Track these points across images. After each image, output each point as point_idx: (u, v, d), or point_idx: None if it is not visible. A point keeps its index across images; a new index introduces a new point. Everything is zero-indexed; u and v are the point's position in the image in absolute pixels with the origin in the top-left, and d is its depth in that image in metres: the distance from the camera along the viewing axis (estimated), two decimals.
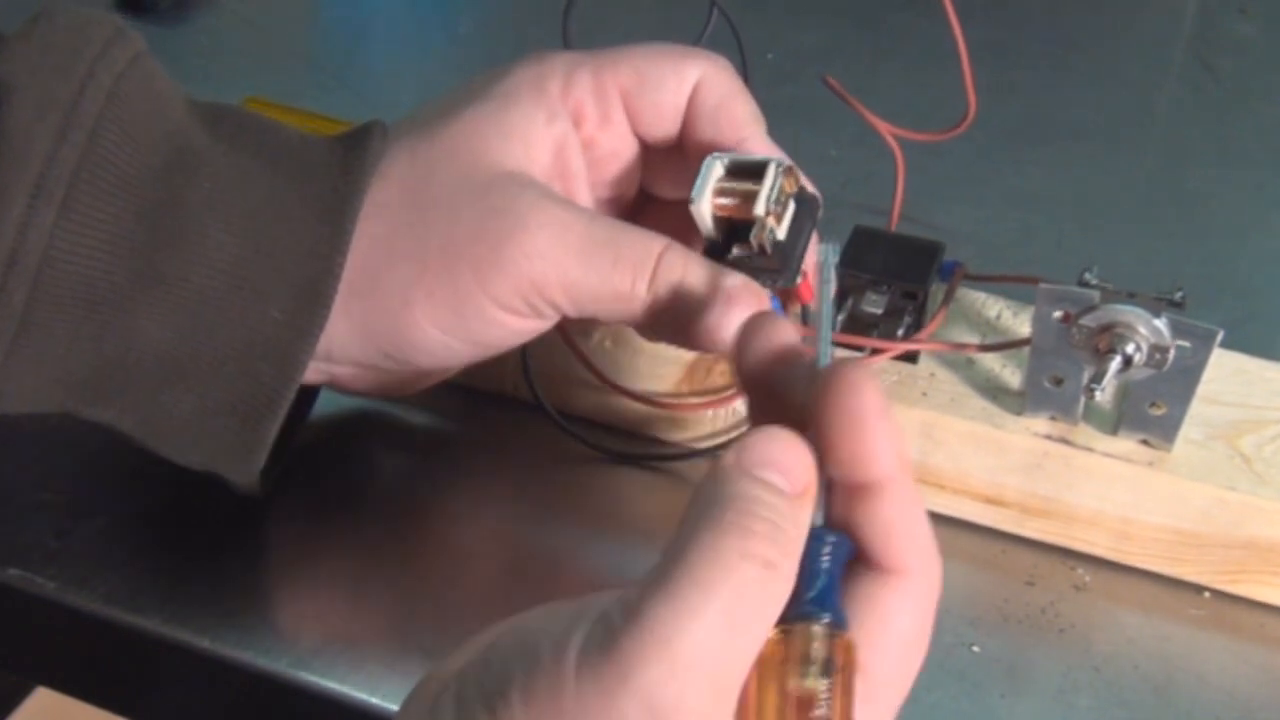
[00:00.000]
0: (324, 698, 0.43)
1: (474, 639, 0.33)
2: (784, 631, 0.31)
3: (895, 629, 0.33)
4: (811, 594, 0.32)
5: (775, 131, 0.46)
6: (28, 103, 0.38)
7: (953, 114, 0.61)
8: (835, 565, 0.32)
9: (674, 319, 0.41)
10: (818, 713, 0.30)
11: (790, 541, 0.31)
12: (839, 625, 0.32)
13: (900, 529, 0.33)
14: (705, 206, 0.42)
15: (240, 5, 0.79)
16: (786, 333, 0.36)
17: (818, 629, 0.31)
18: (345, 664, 0.43)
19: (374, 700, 0.42)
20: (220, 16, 0.78)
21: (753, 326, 0.37)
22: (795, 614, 0.31)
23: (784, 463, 0.31)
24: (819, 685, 0.31)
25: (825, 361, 0.35)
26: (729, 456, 0.32)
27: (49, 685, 0.56)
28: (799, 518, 0.31)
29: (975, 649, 0.45)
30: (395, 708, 0.41)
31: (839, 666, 0.31)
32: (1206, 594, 0.47)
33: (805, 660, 0.31)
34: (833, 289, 0.37)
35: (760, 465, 0.31)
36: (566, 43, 0.55)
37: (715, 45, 0.55)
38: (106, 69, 0.39)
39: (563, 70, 0.44)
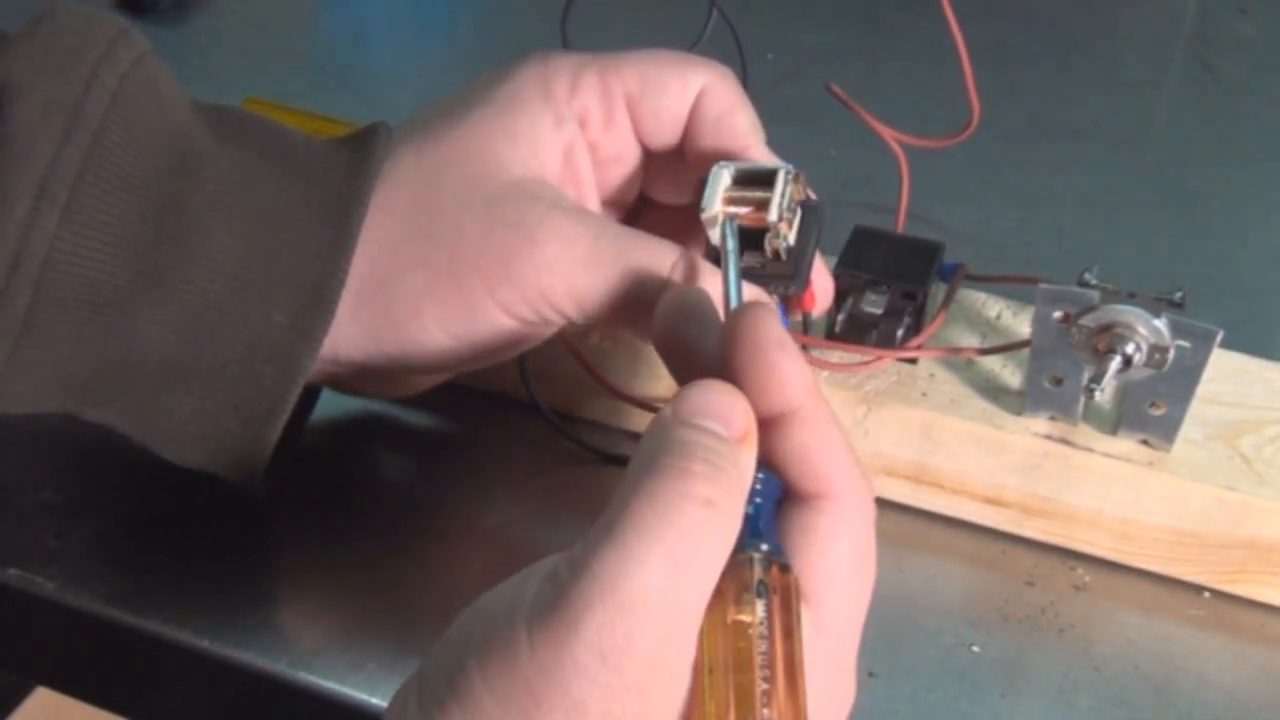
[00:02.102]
0: (324, 698, 0.43)
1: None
2: (731, 564, 0.31)
3: (834, 553, 0.33)
4: (756, 532, 0.32)
5: (775, 132, 0.46)
6: (31, 104, 0.38)
7: (953, 113, 0.61)
8: (766, 501, 0.33)
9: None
10: (752, 633, 0.30)
11: (731, 480, 0.31)
12: (773, 553, 0.32)
13: (818, 452, 0.34)
14: (717, 215, 0.42)
15: (240, 5, 0.79)
16: (694, 294, 0.38)
17: (745, 556, 0.32)
18: (345, 664, 0.43)
19: (374, 700, 0.42)
20: (220, 16, 0.78)
21: (667, 293, 0.39)
22: (738, 549, 0.32)
23: (720, 410, 0.32)
24: (755, 610, 0.31)
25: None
26: (666, 410, 0.32)
27: (49, 685, 0.55)
28: (740, 460, 0.32)
29: (975, 649, 0.45)
30: None
31: (772, 589, 0.31)
32: (1206, 594, 0.47)
33: (739, 590, 0.31)
34: (733, 243, 0.40)
35: (697, 414, 0.32)
36: (566, 43, 0.55)
37: (714, 45, 0.55)
38: (111, 69, 0.39)
39: (569, 72, 0.44)
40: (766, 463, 0.34)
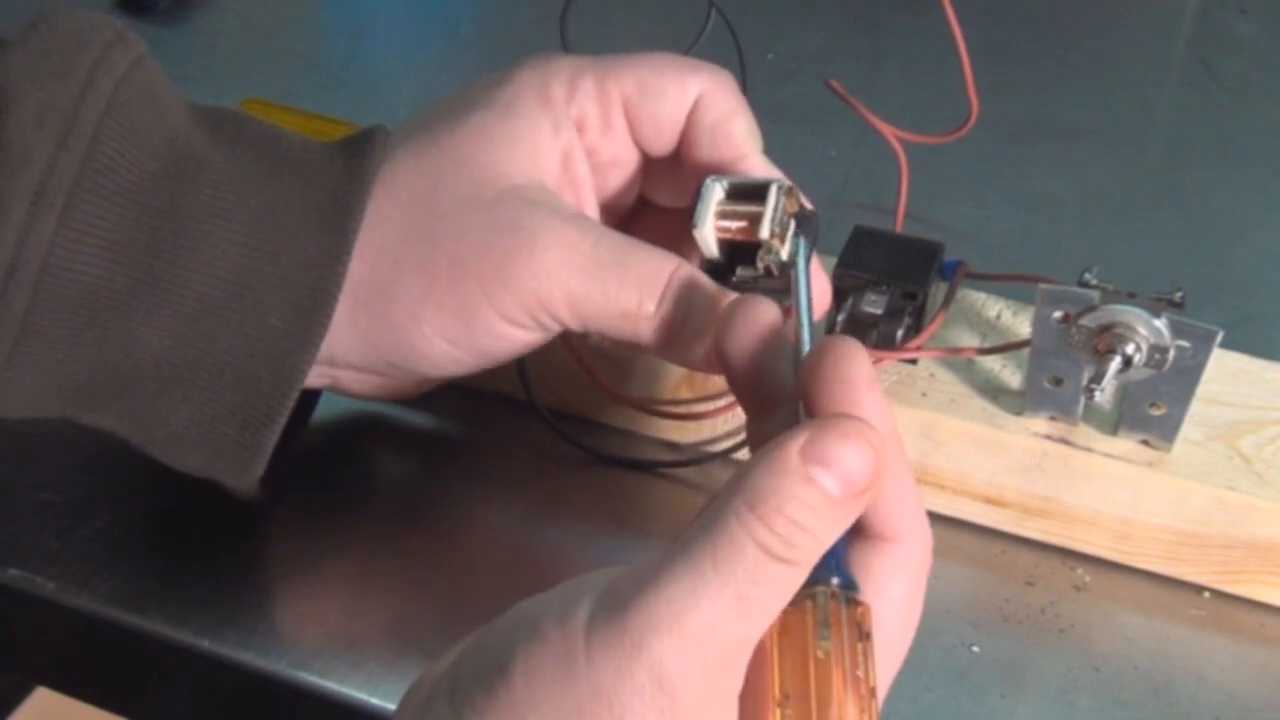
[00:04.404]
0: (324, 698, 0.43)
1: (466, 640, 0.33)
2: (808, 596, 0.31)
3: (889, 596, 0.34)
4: (830, 564, 0.32)
5: (774, 131, 0.46)
6: (27, 109, 0.38)
7: (953, 113, 0.61)
8: (844, 536, 0.33)
9: (681, 339, 0.41)
10: (859, 673, 0.31)
11: (815, 544, 0.31)
12: (851, 588, 0.32)
13: (889, 495, 0.34)
14: (708, 231, 0.42)
15: (240, 5, 0.79)
16: (772, 313, 0.38)
17: (828, 590, 0.32)
18: (345, 664, 0.43)
19: (374, 700, 0.42)
20: (220, 16, 0.78)
21: (740, 308, 0.38)
22: (814, 580, 0.32)
23: (848, 468, 0.31)
24: (859, 647, 0.31)
25: (807, 341, 0.37)
26: (795, 443, 0.31)
27: (49, 685, 0.56)
28: (837, 523, 0.31)
29: (975, 649, 0.45)
30: (395, 708, 0.42)
31: (865, 633, 0.32)
32: (1206, 594, 0.47)
33: (839, 625, 0.31)
34: (806, 277, 0.40)
35: (822, 464, 0.31)
36: (565, 43, 0.55)
37: (713, 45, 0.55)
38: (106, 74, 0.39)
39: (567, 76, 0.44)
40: None
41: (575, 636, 0.30)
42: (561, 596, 0.31)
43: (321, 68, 0.75)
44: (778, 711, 0.31)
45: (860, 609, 0.32)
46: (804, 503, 0.31)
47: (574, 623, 0.30)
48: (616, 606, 0.30)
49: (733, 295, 0.42)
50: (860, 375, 0.33)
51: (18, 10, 0.41)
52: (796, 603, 0.31)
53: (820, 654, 0.31)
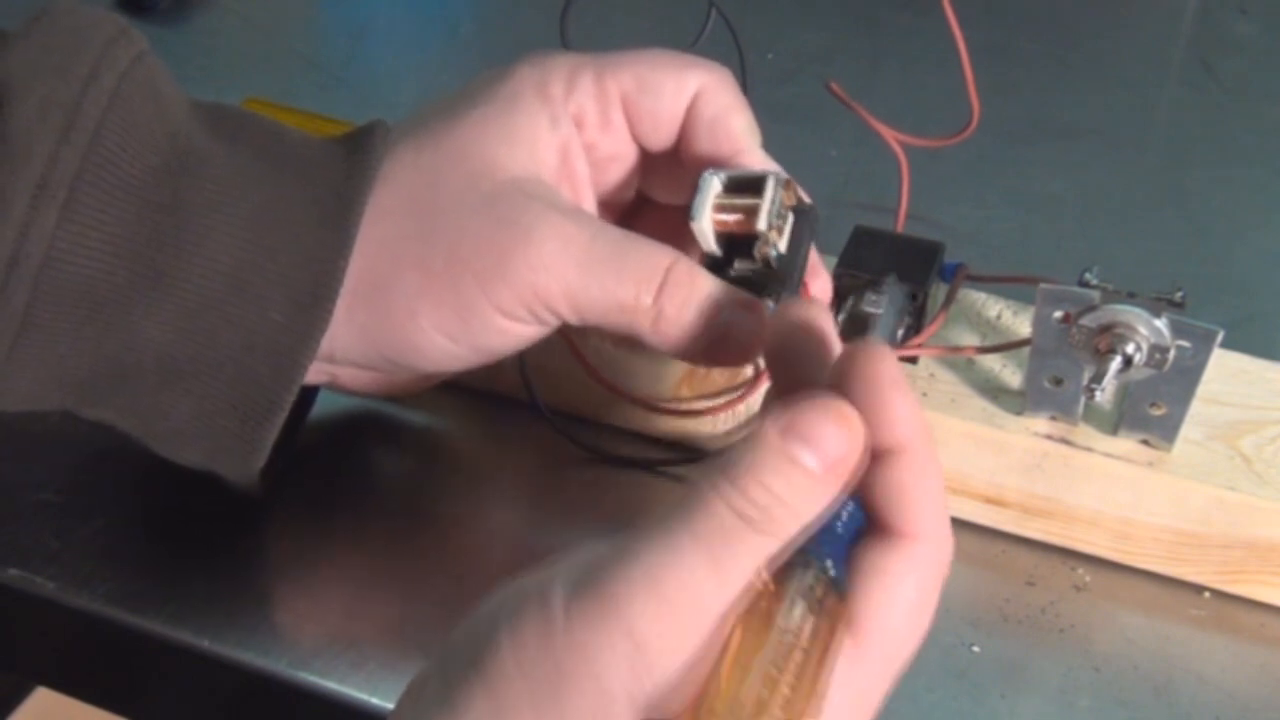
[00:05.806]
0: (324, 698, 0.43)
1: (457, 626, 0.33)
2: (775, 574, 0.31)
3: (897, 593, 0.33)
4: (808, 544, 0.32)
5: (774, 131, 0.46)
6: (29, 103, 0.38)
7: (953, 113, 0.61)
8: (846, 531, 0.33)
9: (679, 332, 0.41)
10: (803, 646, 0.31)
11: (790, 516, 0.31)
12: (829, 574, 0.32)
13: (913, 492, 0.33)
14: (706, 223, 0.42)
15: (240, 5, 0.80)
16: (814, 311, 0.37)
17: (810, 573, 0.32)
18: (345, 664, 0.43)
19: (374, 700, 0.42)
20: (220, 16, 0.78)
21: (785, 305, 0.38)
22: (789, 559, 0.32)
23: (826, 445, 0.31)
24: (804, 624, 0.31)
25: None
26: (775, 422, 0.32)
27: (49, 685, 0.56)
28: (813, 499, 0.32)
29: (975, 649, 0.45)
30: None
31: (824, 616, 0.31)
32: (1206, 594, 0.47)
33: (791, 598, 0.31)
34: (805, 249, 0.40)
35: (800, 440, 0.31)
36: (565, 42, 0.55)
37: (713, 45, 0.55)
38: (109, 69, 0.39)
39: (565, 73, 0.44)
40: (860, 491, 0.33)
41: (554, 605, 0.30)
42: (542, 571, 0.32)
43: (321, 68, 0.75)
44: (733, 671, 0.31)
45: (835, 598, 0.32)
46: (780, 473, 0.31)
47: (554, 592, 0.30)
48: (594, 574, 0.30)
49: (730, 289, 0.42)
50: (883, 374, 0.33)
51: (19, 6, 0.41)
52: (774, 577, 0.31)
53: (788, 627, 0.31)
